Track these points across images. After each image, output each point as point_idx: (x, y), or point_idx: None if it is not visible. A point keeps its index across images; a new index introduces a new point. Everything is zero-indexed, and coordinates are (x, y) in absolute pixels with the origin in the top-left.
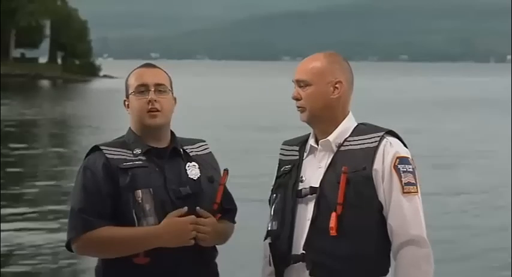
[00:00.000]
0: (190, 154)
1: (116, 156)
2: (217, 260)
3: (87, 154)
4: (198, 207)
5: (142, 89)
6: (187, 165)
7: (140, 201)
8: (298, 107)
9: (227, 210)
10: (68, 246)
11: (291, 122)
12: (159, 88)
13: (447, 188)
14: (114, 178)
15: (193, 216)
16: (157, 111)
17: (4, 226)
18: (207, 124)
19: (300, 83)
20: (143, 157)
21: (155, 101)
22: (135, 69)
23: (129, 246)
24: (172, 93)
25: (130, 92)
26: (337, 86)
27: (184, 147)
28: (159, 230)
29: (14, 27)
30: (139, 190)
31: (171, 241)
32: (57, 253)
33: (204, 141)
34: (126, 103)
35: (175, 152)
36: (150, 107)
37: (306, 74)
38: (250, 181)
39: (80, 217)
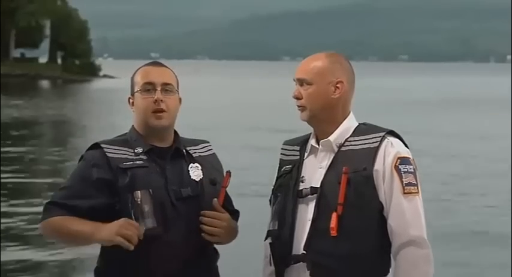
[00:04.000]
0: (194, 155)
1: (116, 155)
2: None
3: (87, 151)
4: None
5: (149, 87)
6: (189, 166)
7: (139, 202)
8: (299, 106)
9: (230, 212)
10: None
11: (291, 122)
12: (166, 87)
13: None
14: (111, 176)
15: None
16: (163, 111)
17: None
18: (207, 124)
19: (301, 82)
20: (144, 157)
21: (161, 100)
22: (142, 67)
23: (74, 239)
24: (178, 93)
25: (136, 89)
26: (338, 85)
27: (188, 148)
28: (100, 226)
29: (14, 27)
30: (139, 191)
31: (106, 236)
32: None
33: (208, 142)
34: (131, 101)
35: (178, 153)
36: (156, 107)
37: (307, 73)
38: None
39: (52, 203)
